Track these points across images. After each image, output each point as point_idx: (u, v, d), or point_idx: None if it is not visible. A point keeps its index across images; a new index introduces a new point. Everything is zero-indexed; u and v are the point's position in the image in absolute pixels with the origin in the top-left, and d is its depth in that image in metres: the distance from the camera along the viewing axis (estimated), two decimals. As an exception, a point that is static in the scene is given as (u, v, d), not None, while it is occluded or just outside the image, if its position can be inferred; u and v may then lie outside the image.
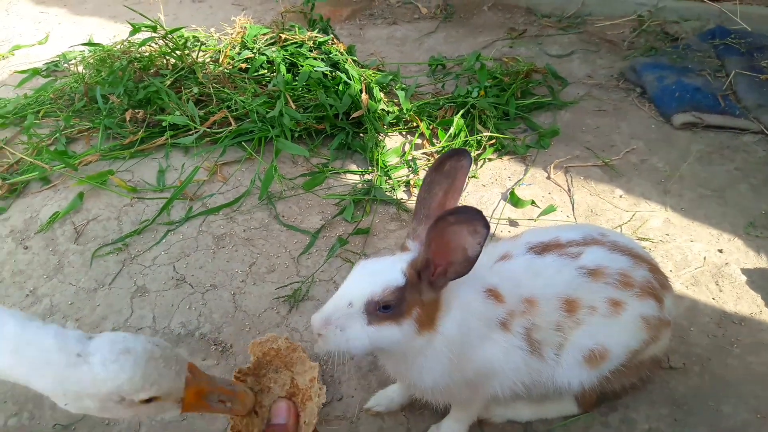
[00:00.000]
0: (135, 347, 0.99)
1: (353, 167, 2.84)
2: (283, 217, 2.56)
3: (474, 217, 1.16)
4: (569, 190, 2.64)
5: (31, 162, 2.76)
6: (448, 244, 1.21)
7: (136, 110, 2.95)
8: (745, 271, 2.21)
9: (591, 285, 1.48)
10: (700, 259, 2.27)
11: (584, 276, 1.48)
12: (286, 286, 2.25)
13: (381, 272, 1.29)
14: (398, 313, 1.27)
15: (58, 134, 3.01)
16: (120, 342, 0.99)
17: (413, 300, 1.29)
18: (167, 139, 2.88)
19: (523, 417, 1.76)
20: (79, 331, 1.01)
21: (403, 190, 2.70)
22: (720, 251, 2.30)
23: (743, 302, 2.10)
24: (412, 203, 2.64)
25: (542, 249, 1.52)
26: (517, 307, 1.44)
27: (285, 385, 1.29)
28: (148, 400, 1.00)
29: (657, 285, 1.56)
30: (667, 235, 2.39)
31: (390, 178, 2.73)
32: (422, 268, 1.27)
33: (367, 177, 2.76)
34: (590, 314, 1.48)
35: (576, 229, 1.60)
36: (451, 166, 1.35)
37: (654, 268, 1.59)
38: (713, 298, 2.12)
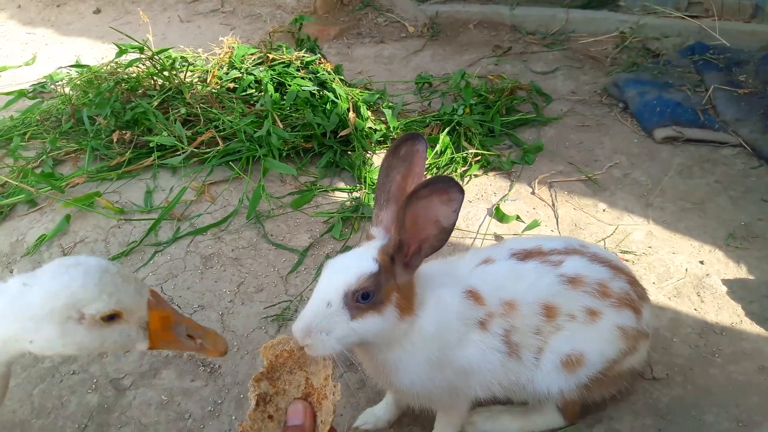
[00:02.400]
0: (87, 261, 0.96)
1: (341, 185, 2.87)
2: (271, 235, 2.58)
3: (448, 184, 1.19)
4: (553, 204, 2.68)
5: (17, 185, 2.76)
6: (422, 218, 1.24)
7: (124, 131, 2.97)
8: (725, 282, 2.25)
9: (570, 293, 1.52)
10: (682, 270, 2.31)
11: (564, 283, 1.52)
12: (274, 305, 2.26)
13: (352, 264, 1.29)
14: (378, 300, 1.28)
15: (44, 156, 3.02)
16: (70, 259, 0.96)
17: (390, 285, 1.30)
18: (155, 159, 2.90)
19: (508, 430, 1.78)
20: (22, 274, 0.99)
21: (390, 207, 2.72)
22: (701, 263, 2.34)
23: (724, 312, 2.13)
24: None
25: (525, 255, 1.56)
26: (497, 309, 1.47)
27: (300, 386, 1.28)
28: (111, 319, 0.96)
29: (635, 296, 1.60)
30: (649, 247, 2.42)
31: (377, 195, 2.76)
32: (395, 251, 1.29)
33: (356, 194, 2.79)
34: (569, 321, 1.51)
35: (558, 240, 1.65)
36: (406, 150, 1.37)
37: (632, 280, 1.63)
38: (695, 309, 2.15)
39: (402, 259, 1.30)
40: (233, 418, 1.90)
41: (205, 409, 1.92)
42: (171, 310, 1.10)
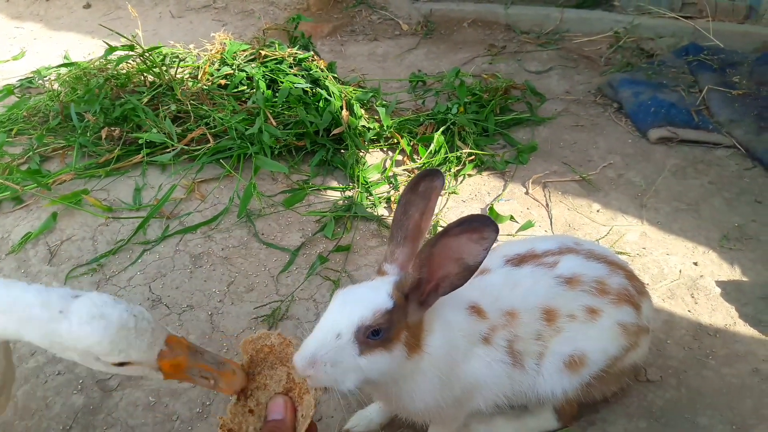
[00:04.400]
0: (111, 314, 1.06)
1: (334, 184, 2.83)
2: (262, 234, 2.54)
3: (483, 223, 1.16)
4: (547, 205, 2.66)
5: (2, 182, 2.71)
6: (447, 257, 1.21)
7: (112, 128, 2.92)
8: (719, 283, 2.24)
9: (568, 293, 1.50)
10: (676, 272, 2.30)
11: (561, 285, 1.50)
12: (265, 305, 2.23)
13: (367, 297, 1.25)
14: (388, 338, 1.24)
15: (31, 153, 2.96)
16: (99, 306, 1.06)
17: (401, 324, 1.26)
18: (144, 157, 2.86)
19: (502, 433, 1.76)
20: (66, 288, 1.11)
21: (384, 207, 2.69)
22: (695, 264, 2.33)
23: (718, 314, 2.12)
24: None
25: (519, 261, 1.54)
26: (499, 321, 1.45)
27: (281, 381, 1.26)
28: (121, 364, 1.08)
29: (634, 292, 1.58)
30: (643, 248, 2.41)
31: (371, 194, 2.73)
32: (411, 289, 1.26)
33: (348, 194, 2.76)
34: (569, 322, 1.50)
35: (551, 240, 1.63)
36: (425, 186, 1.35)
37: (630, 275, 1.62)
38: (689, 311, 2.14)
39: (417, 297, 1.27)
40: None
41: (193, 411, 1.89)
42: (184, 357, 1.14)
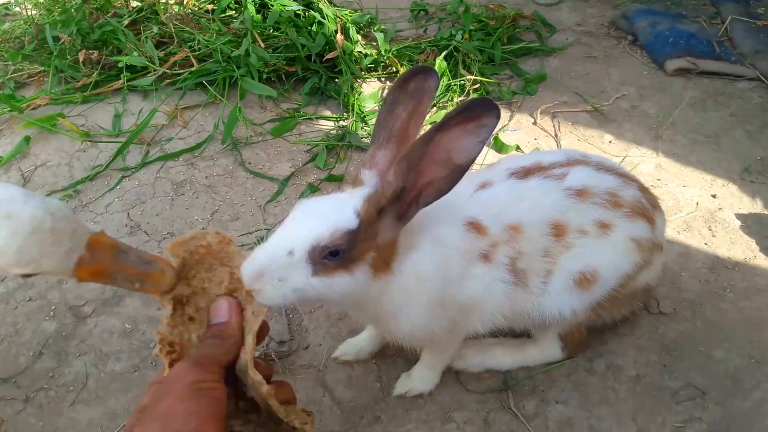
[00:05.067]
0: (21, 213, 0.81)
1: (327, 113, 2.65)
2: (249, 164, 2.38)
3: (485, 107, 1.00)
4: (556, 135, 2.48)
5: (-26, 106, 2.54)
6: (437, 157, 1.04)
7: (90, 51, 2.72)
8: (739, 216, 2.08)
9: (579, 206, 1.35)
10: (693, 204, 2.14)
11: (571, 197, 1.35)
12: (251, 233, 2.09)
13: (328, 213, 1.09)
14: (349, 259, 1.09)
15: (4, 79, 2.77)
16: (6, 203, 0.81)
17: (367, 243, 1.10)
18: (124, 81, 2.66)
19: (503, 365, 1.63)
20: None
21: (380, 136, 2.51)
22: (713, 196, 2.17)
23: (737, 247, 1.97)
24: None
25: (525, 173, 1.38)
26: (501, 237, 1.30)
27: (222, 283, 1.10)
28: (29, 275, 0.86)
29: (648, 205, 1.45)
30: (658, 180, 2.24)
31: (366, 123, 2.55)
32: (389, 201, 1.09)
33: (342, 123, 2.58)
34: (579, 237, 1.35)
35: (558, 153, 1.48)
36: (416, 85, 1.17)
37: (643, 188, 1.49)
38: (705, 244, 1.99)
39: (396, 209, 1.10)
40: (201, 348, 1.74)
41: (170, 339, 1.76)
42: (108, 263, 0.93)
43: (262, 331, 1.07)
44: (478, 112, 1.00)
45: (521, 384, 1.61)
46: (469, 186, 1.39)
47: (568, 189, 1.37)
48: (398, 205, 1.11)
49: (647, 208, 1.44)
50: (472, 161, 1.06)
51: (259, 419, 1.05)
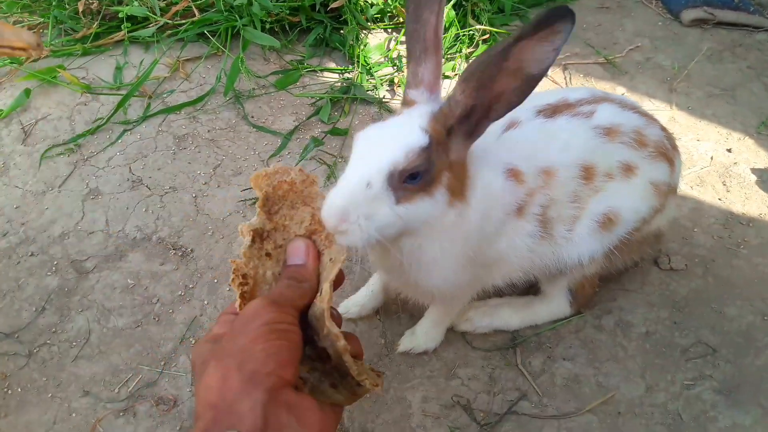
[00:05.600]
0: None
1: (332, 65, 2.57)
2: (252, 117, 2.32)
3: (558, 14, 0.92)
4: (567, 87, 2.41)
5: (-30, 57, 2.48)
6: (509, 68, 0.97)
7: (90, 1, 2.63)
8: (755, 171, 2.03)
9: (607, 146, 1.31)
10: (707, 158, 2.08)
11: (601, 136, 1.30)
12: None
13: (395, 135, 1.03)
14: (428, 180, 1.03)
15: (2, 28, 2.69)
16: None
17: (441, 163, 1.04)
18: (125, 33, 2.59)
19: (511, 325, 1.62)
20: None
21: (387, 89, 2.45)
22: (728, 151, 2.11)
23: (752, 203, 1.93)
24: (395, 103, 2.40)
25: (552, 111, 1.33)
26: (536, 183, 1.24)
27: (303, 223, 1.05)
28: None
29: (669, 145, 1.42)
30: (671, 133, 2.18)
31: (372, 76, 2.48)
32: (458, 120, 1.03)
33: (347, 76, 2.51)
34: (606, 181, 1.32)
35: (581, 90, 1.43)
36: None
37: (664, 128, 1.46)
38: (719, 199, 1.94)
39: (466, 127, 1.04)
40: (205, 302, 1.74)
41: (174, 294, 1.76)
42: None
43: (338, 280, 1.02)
44: (554, 21, 0.93)
45: (528, 341, 1.60)
46: (495, 126, 1.34)
47: (597, 127, 1.32)
48: (467, 123, 1.05)
49: (668, 149, 1.41)
50: (546, 70, 0.99)
51: (323, 368, 0.99)
